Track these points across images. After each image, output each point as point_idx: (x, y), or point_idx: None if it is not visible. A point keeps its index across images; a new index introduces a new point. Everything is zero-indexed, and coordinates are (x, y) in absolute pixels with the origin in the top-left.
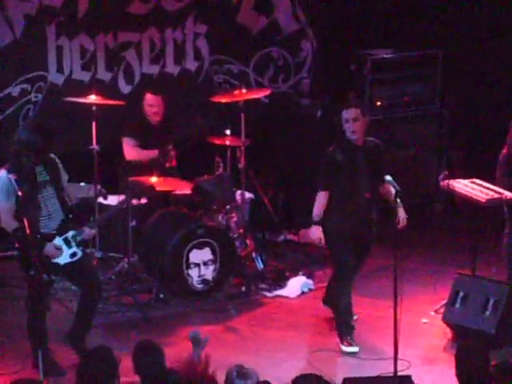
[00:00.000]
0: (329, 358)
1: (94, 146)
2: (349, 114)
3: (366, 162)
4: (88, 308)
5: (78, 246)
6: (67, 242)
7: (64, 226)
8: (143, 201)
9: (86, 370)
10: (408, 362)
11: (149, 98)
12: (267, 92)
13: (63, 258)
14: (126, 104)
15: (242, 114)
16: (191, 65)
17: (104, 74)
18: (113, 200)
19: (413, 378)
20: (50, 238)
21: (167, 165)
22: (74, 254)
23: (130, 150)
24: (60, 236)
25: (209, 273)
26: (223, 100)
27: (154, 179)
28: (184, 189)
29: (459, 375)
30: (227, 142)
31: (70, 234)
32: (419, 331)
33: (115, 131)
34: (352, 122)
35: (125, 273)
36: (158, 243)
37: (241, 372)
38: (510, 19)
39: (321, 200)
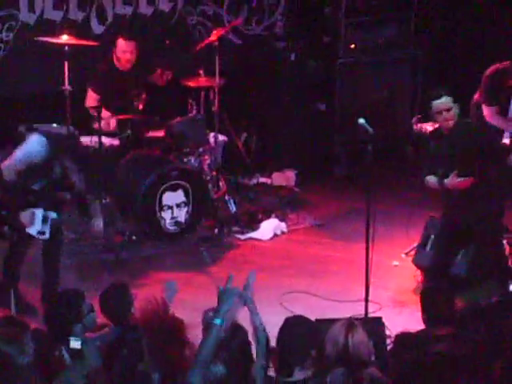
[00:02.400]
0: (301, 299)
1: (66, 86)
2: (441, 105)
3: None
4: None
5: (50, 228)
6: (45, 219)
7: (50, 203)
8: (115, 142)
9: (52, 312)
10: (379, 304)
11: (122, 43)
12: (238, 22)
13: (31, 229)
14: (99, 44)
15: (217, 56)
16: (165, 6)
17: (76, 14)
18: (85, 140)
19: (383, 320)
20: (34, 204)
21: (140, 107)
22: (42, 233)
23: (91, 103)
24: (44, 210)
25: (181, 215)
26: (202, 46)
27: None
28: (157, 131)
29: (425, 316)
30: (201, 83)
31: (52, 215)
32: (390, 274)
33: (88, 72)
34: (446, 112)
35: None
36: (131, 185)
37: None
38: None
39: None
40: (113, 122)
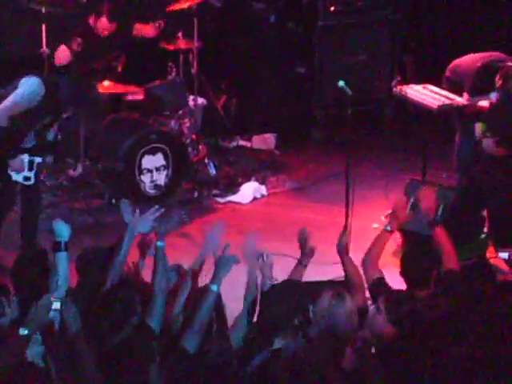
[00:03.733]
0: (281, 262)
1: (44, 48)
2: None
3: None
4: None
5: (35, 173)
6: (31, 163)
7: (36, 150)
8: None
9: (18, 272)
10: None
11: (104, 23)
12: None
13: (17, 176)
14: (77, 7)
15: (195, 18)
16: None
17: None
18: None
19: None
20: (22, 152)
21: (118, 69)
22: (28, 178)
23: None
24: (30, 155)
25: (161, 178)
26: (181, 7)
27: (106, 83)
28: (136, 94)
29: (404, 277)
30: (180, 45)
31: (38, 159)
32: (370, 236)
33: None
34: None
35: (77, 178)
36: (110, 149)
37: None
38: None
39: None
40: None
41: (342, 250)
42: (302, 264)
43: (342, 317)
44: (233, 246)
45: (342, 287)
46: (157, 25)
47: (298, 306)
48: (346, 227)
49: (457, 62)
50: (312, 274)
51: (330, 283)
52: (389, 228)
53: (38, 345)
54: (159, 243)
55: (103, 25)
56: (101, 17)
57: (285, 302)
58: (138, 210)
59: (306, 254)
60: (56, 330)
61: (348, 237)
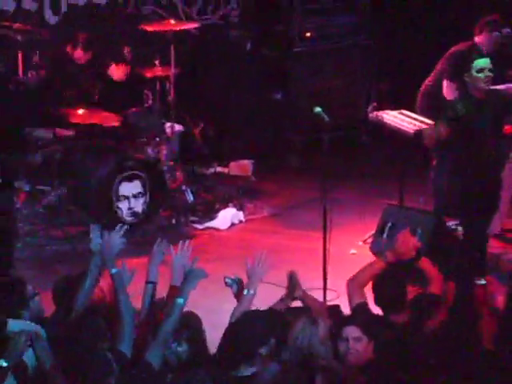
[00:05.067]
0: (259, 288)
1: (20, 76)
2: (485, 64)
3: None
4: None
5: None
6: None
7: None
8: (70, 132)
9: None
10: (337, 292)
11: (79, 53)
12: (195, 25)
13: None
14: (53, 35)
15: (172, 46)
16: None
17: (30, 4)
18: (40, 133)
19: (341, 308)
20: None
21: (95, 97)
22: None
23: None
24: None
25: (138, 205)
26: (152, 29)
27: (81, 111)
28: (113, 121)
29: (377, 301)
30: (156, 73)
31: None
32: (348, 261)
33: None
34: (488, 72)
35: (53, 206)
36: (87, 176)
37: None
38: None
39: None
40: None
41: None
42: (283, 302)
43: (316, 342)
44: (216, 275)
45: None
46: (127, 67)
47: (264, 333)
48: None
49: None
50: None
51: (293, 310)
52: (384, 258)
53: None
54: (113, 270)
55: (79, 54)
56: (77, 46)
57: (251, 329)
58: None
59: (292, 296)
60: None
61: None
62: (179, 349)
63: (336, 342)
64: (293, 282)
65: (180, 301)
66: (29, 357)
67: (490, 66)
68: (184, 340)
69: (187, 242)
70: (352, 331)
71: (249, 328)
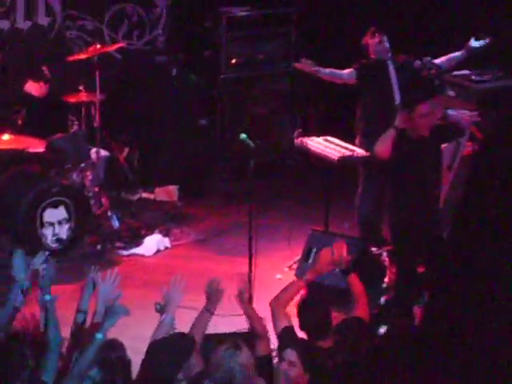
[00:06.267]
0: (185, 314)
1: None
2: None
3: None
4: None
5: None
6: None
7: None
8: None
9: None
10: (263, 317)
11: None
12: (121, 45)
13: None
14: None
15: (97, 71)
16: (43, 20)
17: None
18: None
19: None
20: None
21: (19, 122)
22: None
23: None
24: None
25: (63, 232)
26: (77, 53)
27: (5, 137)
28: (37, 147)
29: (302, 327)
30: (81, 98)
31: None
32: (274, 287)
33: None
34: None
35: None
36: (11, 202)
37: None
38: None
39: None
40: None
41: (244, 300)
42: (208, 311)
43: (237, 369)
44: (143, 301)
45: (245, 338)
46: (46, 84)
47: (177, 358)
48: (249, 278)
49: None
50: (215, 326)
51: (233, 335)
52: (304, 277)
53: None
54: (47, 297)
55: None
56: None
57: (163, 357)
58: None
59: (213, 300)
60: None
61: (248, 286)
62: (97, 377)
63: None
64: (212, 289)
65: (99, 336)
66: None
67: None
68: (105, 367)
69: (115, 271)
70: (290, 355)
71: (161, 355)
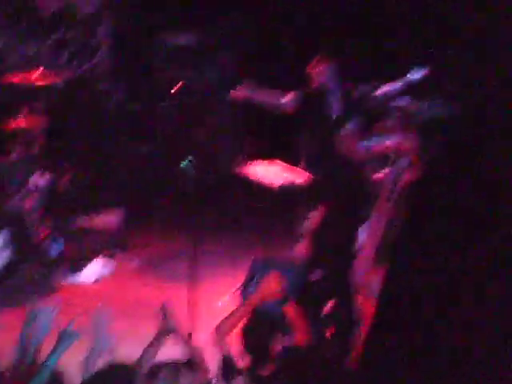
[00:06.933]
0: (123, 342)
1: None
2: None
3: None
4: None
5: None
6: None
7: None
8: None
9: None
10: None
11: None
12: (62, 77)
13: None
14: None
15: (38, 97)
16: None
17: None
18: None
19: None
20: None
21: None
22: None
23: None
24: None
25: (2, 259)
26: (17, 80)
27: None
28: None
29: (243, 354)
30: (23, 124)
31: None
32: (216, 314)
33: None
34: None
35: None
36: None
37: None
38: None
39: None
40: None
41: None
42: (160, 336)
43: None
44: (78, 325)
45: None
46: None
47: None
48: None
49: None
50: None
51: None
52: (246, 305)
53: None
54: (52, 361)
55: None
56: None
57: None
58: None
59: (167, 329)
60: None
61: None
62: None
63: None
64: (165, 315)
65: (50, 361)
66: None
67: None
68: None
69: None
70: None
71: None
